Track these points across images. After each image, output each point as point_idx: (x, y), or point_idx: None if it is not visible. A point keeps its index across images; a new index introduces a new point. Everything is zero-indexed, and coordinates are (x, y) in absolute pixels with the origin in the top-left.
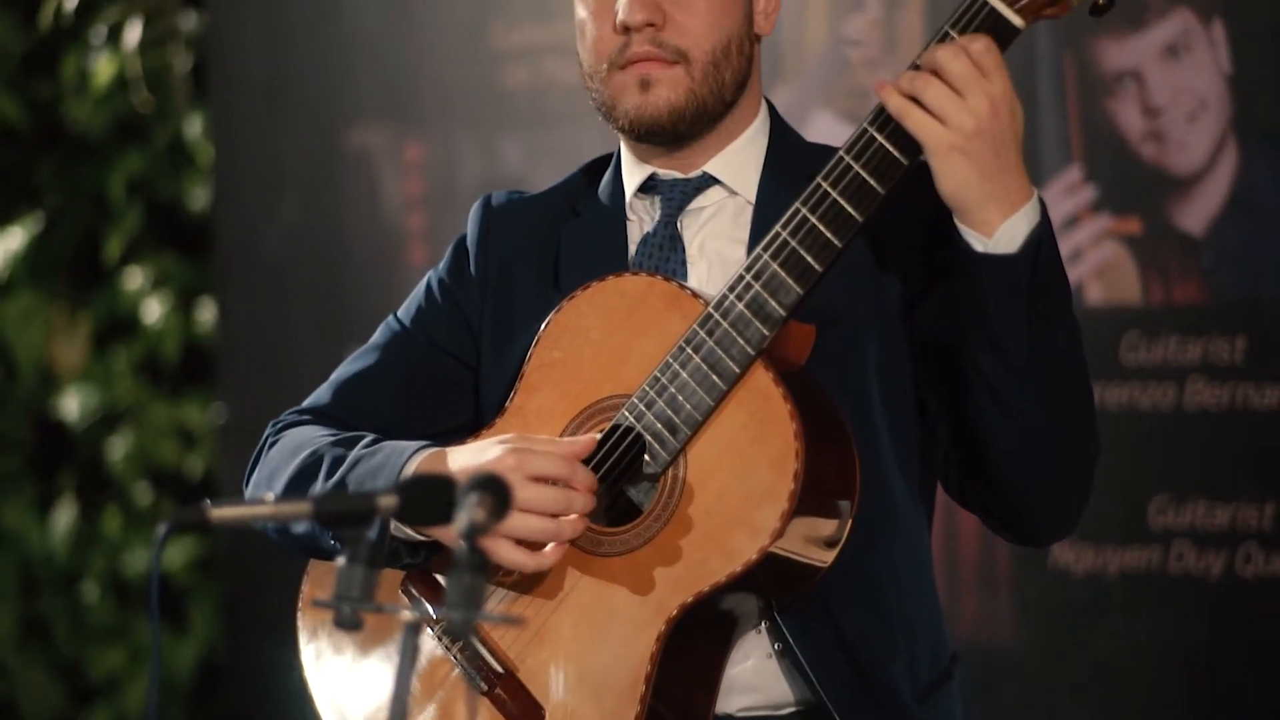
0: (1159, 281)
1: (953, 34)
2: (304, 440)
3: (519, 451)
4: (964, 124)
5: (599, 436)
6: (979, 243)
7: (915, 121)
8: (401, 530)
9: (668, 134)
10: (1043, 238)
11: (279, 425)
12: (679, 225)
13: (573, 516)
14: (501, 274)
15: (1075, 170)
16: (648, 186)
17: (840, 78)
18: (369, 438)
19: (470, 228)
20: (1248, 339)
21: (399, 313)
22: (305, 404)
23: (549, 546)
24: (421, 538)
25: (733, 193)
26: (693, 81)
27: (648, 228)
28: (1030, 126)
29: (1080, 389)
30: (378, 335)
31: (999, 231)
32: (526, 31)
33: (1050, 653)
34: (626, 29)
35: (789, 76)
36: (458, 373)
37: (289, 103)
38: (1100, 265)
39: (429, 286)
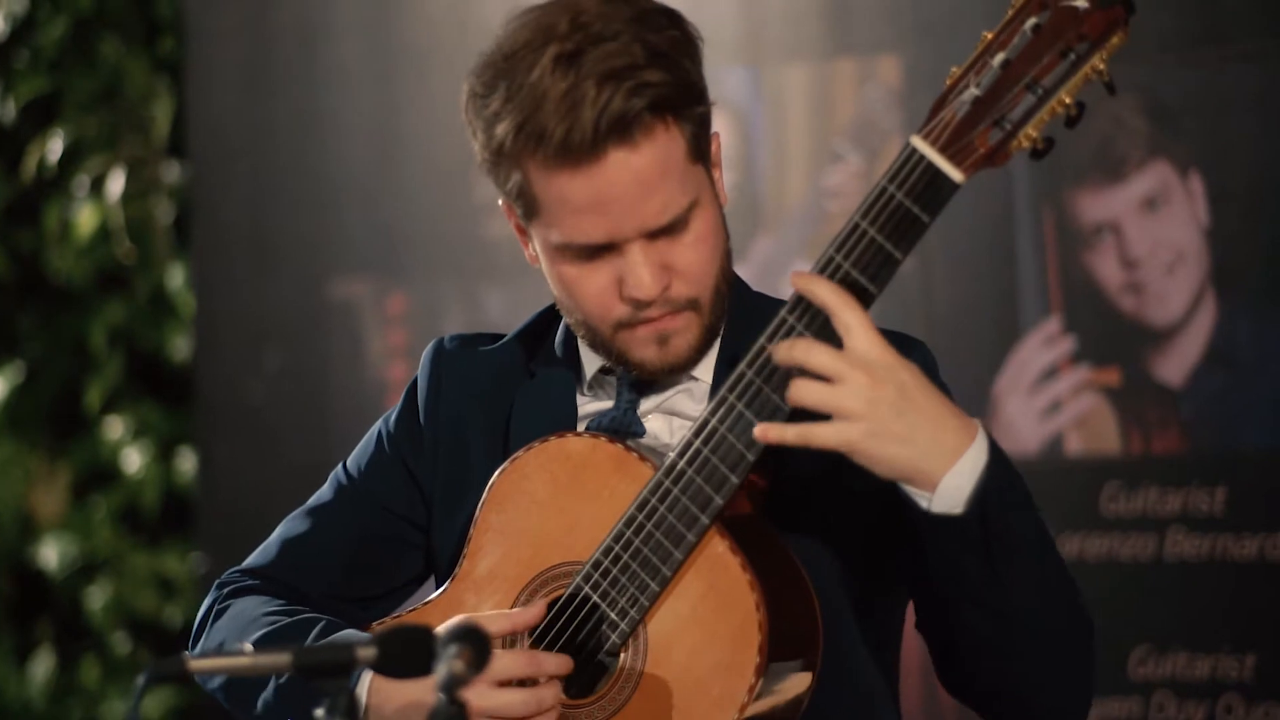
0: (1138, 432)
1: (890, 189)
2: (252, 617)
3: None
4: (852, 409)
5: (546, 606)
6: (924, 500)
7: (821, 437)
8: None
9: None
10: (989, 485)
11: (225, 590)
12: (639, 409)
13: (544, 713)
14: (453, 431)
15: (1054, 321)
16: (607, 369)
17: (820, 229)
18: (320, 624)
19: (421, 377)
20: (1227, 490)
21: (348, 464)
22: (252, 563)
23: None
24: None
25: (693, 378)
26: (704, 318)
27: (604, 403)
28: (1009, 279)
29: (1061, 616)
30: (326, 490)
31: (940, 488)
32: None
33: None
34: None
35: (769, 228)
36: (407, 532)
37: (271, 254)
38: (1080, 416)
39: (379, 440)
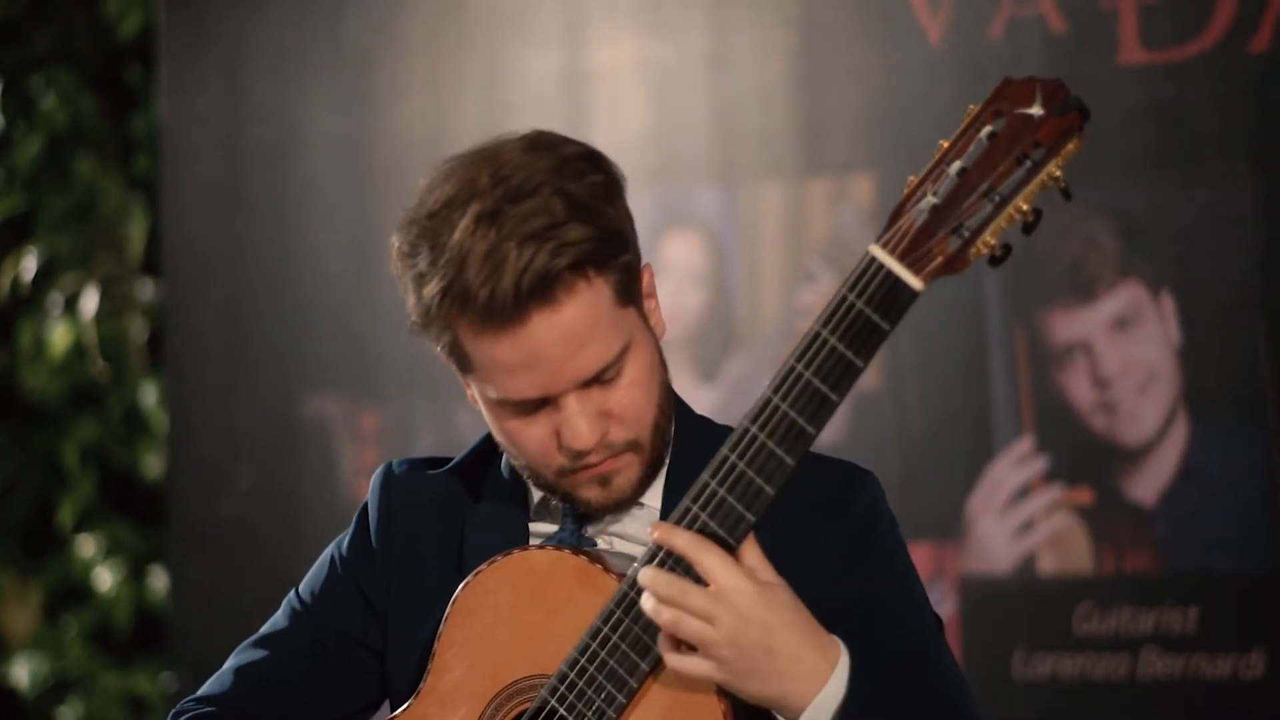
0: (1111, 552)
1: (850, 298)
2: None
3: None
4: (722, 655)
5: None
6: None
7: (693, 668)
8: None
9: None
10: (848, 712)
11: (180, 719)
12: (585, 532)
13: None
14: (406, 552)
15: (1027, 441)
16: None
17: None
18: None
19: (371, 501)
20: (1200, 609)
21: (300, 589)
22: (207, 691)
23: None
24: None
25: (640, 504)
26: (645, 456)
27: (553, 526)
28: (982, 398)
29: None
30: (280, 617)
31: (803, 718)
32: None
33: None
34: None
35: (742, 347)
36: (363, 657)
37: (245, 372)
38: (1052, 536)
39: (332, 564)
